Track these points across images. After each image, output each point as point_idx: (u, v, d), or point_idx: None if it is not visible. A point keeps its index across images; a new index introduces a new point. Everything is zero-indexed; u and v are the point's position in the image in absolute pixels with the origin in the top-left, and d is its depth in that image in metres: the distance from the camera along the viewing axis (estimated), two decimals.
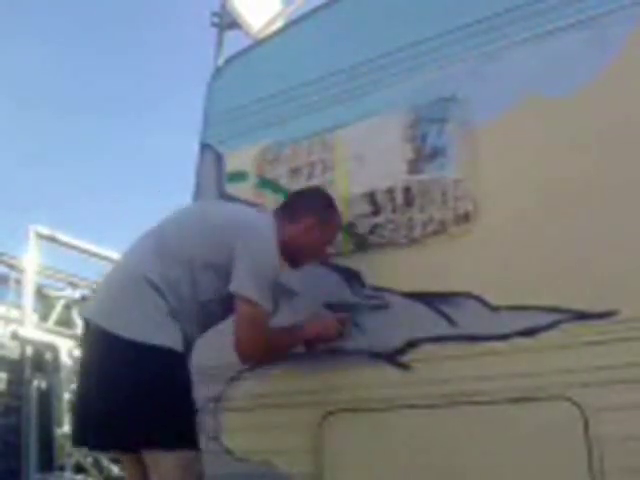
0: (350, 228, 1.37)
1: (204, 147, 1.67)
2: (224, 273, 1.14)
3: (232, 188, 1.58)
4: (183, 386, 1.11)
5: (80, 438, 1.19)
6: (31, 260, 3.92)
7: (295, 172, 1.49)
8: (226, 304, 1.17)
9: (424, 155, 1.34)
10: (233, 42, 1.94)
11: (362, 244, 1.37)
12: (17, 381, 3.68)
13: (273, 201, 1.50)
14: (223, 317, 1.21)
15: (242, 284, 1.13)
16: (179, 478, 1.06)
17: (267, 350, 1.21)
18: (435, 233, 1.28)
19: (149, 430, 1.06)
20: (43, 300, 4.35)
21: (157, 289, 1.10)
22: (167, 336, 1.10)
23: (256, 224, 1.20)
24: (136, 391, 1.05)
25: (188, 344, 1.16)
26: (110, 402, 1.06)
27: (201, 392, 1.43)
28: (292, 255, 1.25)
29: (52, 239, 3.93)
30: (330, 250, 1.34)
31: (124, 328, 1.08)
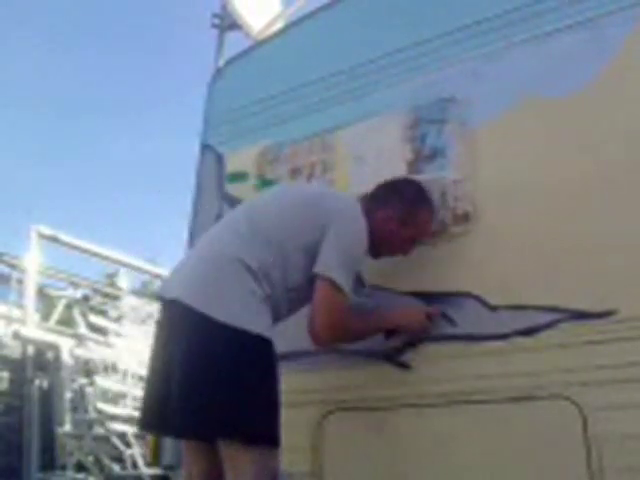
0: None
1: (205, 148, 1.67)
2: (314, 254, 1.09)
3: (232, 188, 1.59)
4: (273, 376, 1.05)
5: (154, 423, 1.10)
6: (33, 260, 3.94)
7: (295, 172, 1.50)
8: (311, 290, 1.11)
9: (423, 156, 1.34)
10: (234, 43, 1.95)
11: None
12: (19, 380, 3.70)
13: None
14: (304, 304, 1.16)
15: (328, 266, 1.08)
16: (255, 475, 0.99)
17: (344, 336, 1.17)
18: (434, 233, 1.29)
19: (234, 421, 0.98)
20: (45, 300, 4.36)
21: (253, 273, 1.05)
22: (262, 323, 1.04)
23: (349, 209, 1.15)
24: (226, 377, 0.98)
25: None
26: (196, 386, 0.99)
27: None
28: (373, 245, 1.19)
29: (54, 239, 3.95)
30: (412, 248, 1.25)
31: (219, 310, 1.01)
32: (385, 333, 1.24)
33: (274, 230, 1.12)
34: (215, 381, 0.99)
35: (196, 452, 1.11)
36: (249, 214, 1.17)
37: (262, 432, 1.01)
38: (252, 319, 1.03)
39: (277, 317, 1.13)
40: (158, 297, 1.15)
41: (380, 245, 1.22)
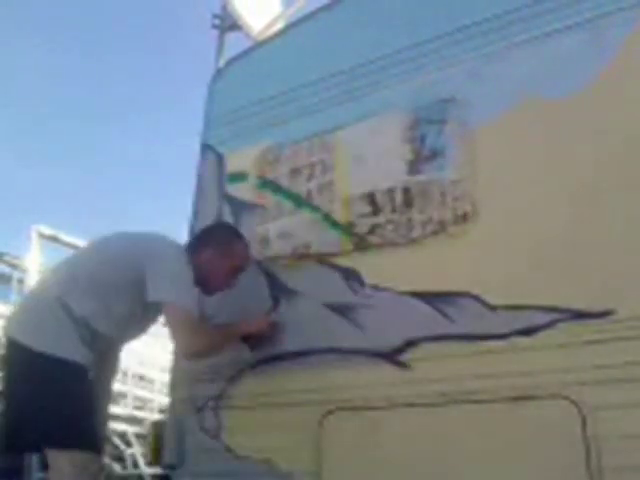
0: (350, 228, 1.39)
1: (205, 148, 1.68)
2: (133, 291, 1.26)
3: (233, 189, 1.59)
4: (79, 392, 1.20)
5: (4, 444, 1.27)
6: (33, 260, 3.95)
7: (295, 173, 1.51)
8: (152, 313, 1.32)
9: (423, 156, 1.35)
10: (234, 44, 1.95)
11: (362, 244, 1.38)
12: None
13: (273, 201, 1.52)
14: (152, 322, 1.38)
15: (161, 292, 1.26)
16: (72, 475, 1.16)
17: (205, 345, 1.31)
18: (434, 233, 1.29)
19: (46, 430, 1.17)
20: None
21: (69, 312, 1.24)
22: (69, 350, 1.21)
23: (162, 242, 1.35)
24: (36, 395, 1.18)
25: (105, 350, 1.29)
26: (19, 406, 1.20)
27: (202, 391, 1.45)
28: (202, 281, 1.34)
29: (54, 239, 3.96)
30: (235, 280, 1.40)
31: (36, 341, 1.20)
32: (243, 341, 1.40)
33: (96, 275, 1.28)
34: (30, 399, 1.19)
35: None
36: (72, 262, 1.38)
37: (72, 437, 1.18)
38: (61, 346, 1.21)
39: (107, 342, 1.30)
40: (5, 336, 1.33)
41: (208, 280, 1.36)
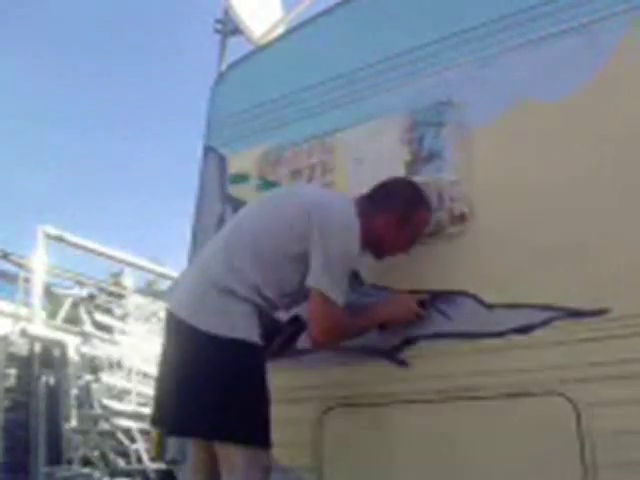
0: None
1: (207, 150, 1.71)
2: (306, 263, 1.14)
3: (234, 189, 1.62)
4: (259, 379, 1.12)
5: (157, 421, 1.21)
6: (40, 259, 3.99)
7: (296, 174, 1.53)
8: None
9: (421, 157, 1.37)
10: (236, 48, 1.98)
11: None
12: (26, 377, 3.74)
13: None
14: (300, 304, 1.23)
15: (318, 279, 1.14)
16: (246, 473, 1.07)
17: (340, 338, 1.24)
18: (432, 233, 1.32)
19: (223, 423, 1.07)
20: (51, 298, 4.41)
21: (238, 295, 1.12)
22: (243, 329, 1.11)
23: (338, 218, 1.17)
24: (212, 383, 1.07)
25: (273, 331, 1.19)
26: (187, 392, 1.09)
27: None
28: (373, 247, 1.23)
29: (60, 239, 4.00)
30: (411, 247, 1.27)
31: (203, 322, 1.10)
32: (378, 327, 1.27)
33: (265, 242, 1.17)
34: (203, 388, 1.08)
35: (201, 449, 1.21)
36: (236, 228, 1.22)
37: (250, 432, 1.09)
38: (232, 326, 1.10)
39: (272, 323, 1.19)
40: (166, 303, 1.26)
41: (381, 246, 1.25)
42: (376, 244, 1.23)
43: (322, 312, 1.16)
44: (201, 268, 1.20)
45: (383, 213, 1.23)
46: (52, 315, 4.32)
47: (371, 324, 1.27)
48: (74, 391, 3.79)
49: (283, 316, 1.27)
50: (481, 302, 1.23)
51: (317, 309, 1.16)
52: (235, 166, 1.64)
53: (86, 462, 3.64)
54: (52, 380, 3.84)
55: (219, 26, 1.97)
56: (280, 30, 1.95)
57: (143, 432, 3.67)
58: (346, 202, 1.23)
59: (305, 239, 1.15)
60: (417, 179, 1.34)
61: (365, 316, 1.27)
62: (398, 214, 1.24)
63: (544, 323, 1.16)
